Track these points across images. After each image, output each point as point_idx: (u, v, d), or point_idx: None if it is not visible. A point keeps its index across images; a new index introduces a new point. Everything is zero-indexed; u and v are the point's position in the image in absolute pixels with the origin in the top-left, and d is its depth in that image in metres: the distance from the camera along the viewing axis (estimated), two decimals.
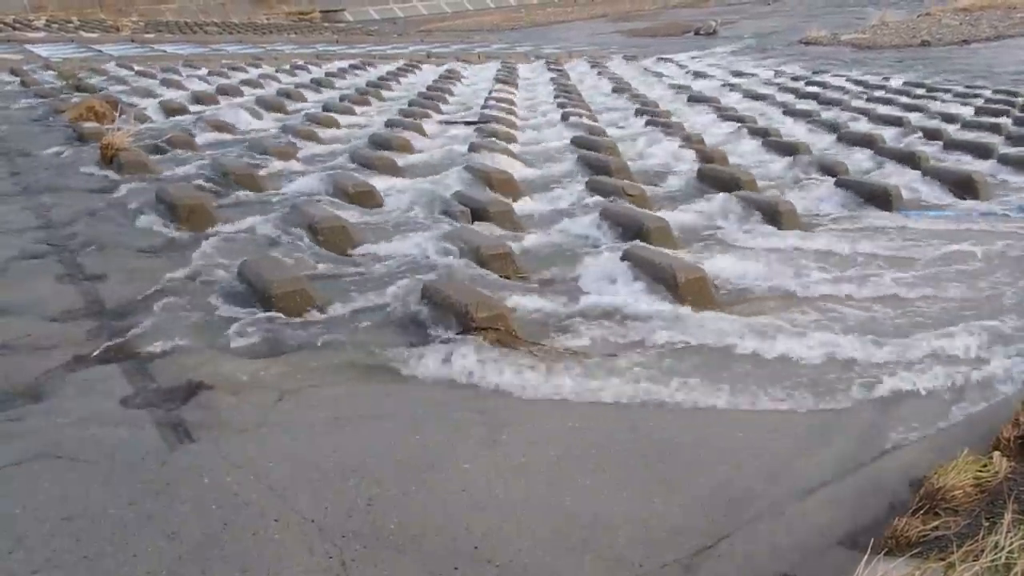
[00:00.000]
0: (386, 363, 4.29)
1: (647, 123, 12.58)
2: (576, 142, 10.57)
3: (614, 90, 16.87)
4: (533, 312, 4.96)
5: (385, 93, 16.39)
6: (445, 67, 21.52)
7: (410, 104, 14.02)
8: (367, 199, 7.61)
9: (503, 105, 13.97)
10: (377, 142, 10.34)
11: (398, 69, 20.37)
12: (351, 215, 7.00)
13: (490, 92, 15.85)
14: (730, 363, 4.37)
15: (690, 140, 10.70)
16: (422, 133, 11.54)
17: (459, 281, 5.11)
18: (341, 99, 14.63)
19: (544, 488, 3.22)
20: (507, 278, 5.53)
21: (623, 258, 5.56)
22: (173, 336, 4.49)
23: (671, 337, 4.62)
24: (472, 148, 9.99)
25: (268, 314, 4.82)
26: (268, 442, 3.55)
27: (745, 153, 10.46)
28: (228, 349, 4.42)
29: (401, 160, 9.50)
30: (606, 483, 3.25)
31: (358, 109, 13.92)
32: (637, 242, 6.05)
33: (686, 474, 3.32)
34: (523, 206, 7.67)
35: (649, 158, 10.11)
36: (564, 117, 12.99)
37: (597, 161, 9.25)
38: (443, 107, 14.37)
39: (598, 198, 7.71)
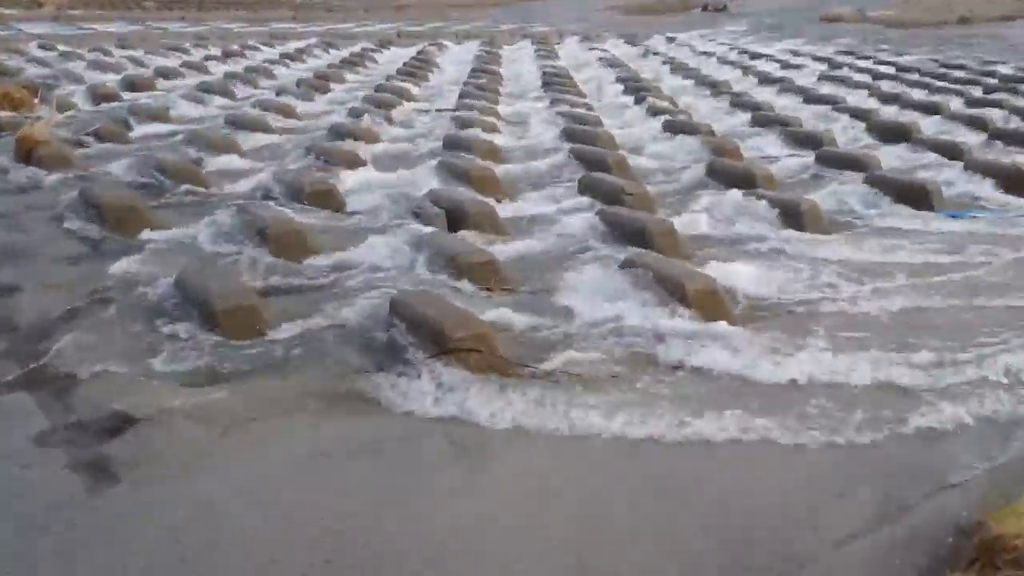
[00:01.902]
0: (349, 391, 4.28)
1: (648, 111, 12.63)
2: (568, 134, 10.59)
3: (612, 75, 16.96)
4: (520, 330, 4.97)
5: (349, 77, 16.45)
6: (418, 48, 21.56)
7: (377, 90, 14.04)
8: (327, 199, 7.59)
9: (484, 92, 14.00)
10: (339, 133, 10.37)
11: (364, 50, 20.45)
12: (308, 218, 6.96)
13: (469, 77, 15.91)
14: (746, 389, 4.36)
15: (699, 131, 10.77)
16: (391, 123, 11.54)
17: (434, 295, 5.11)
18: (298, 84, 14.66)
19: (532, 537, 3.18)
20: (490, 291, 5.54)
21: (623, 267, 5.58)
22: (98, 360, 4.46)
23: (678, 359, 4.64)
24: (449, 141, 9.98)
25: (211, 335, 4.81)
26: (210, 485, 3.51)
27: (761, 145, 10.53)
28: (163, 376, 4.40)
29: (366, 154, 9.50)
30: (602, 533, 3.21)
31: (317, 96, 13.92)
32: (639, 249, 6.08)
33: (697, 522, 3.27)
34: (507, 207, 7.66)
35: (652, 151, 10.14)
36: (554, 104, 13.00)
37: (592, 155, 9.26)
38: (415, 93, 14.38)
39: (593, 199, 7.75)
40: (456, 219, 6.88)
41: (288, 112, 12.17)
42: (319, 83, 15.02)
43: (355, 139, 10.08)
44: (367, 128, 10.68)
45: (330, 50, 21.09)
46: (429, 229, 6.48)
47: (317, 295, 5.50)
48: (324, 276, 5.90)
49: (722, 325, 4.95)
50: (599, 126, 11.21)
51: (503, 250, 6.36)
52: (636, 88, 14.70)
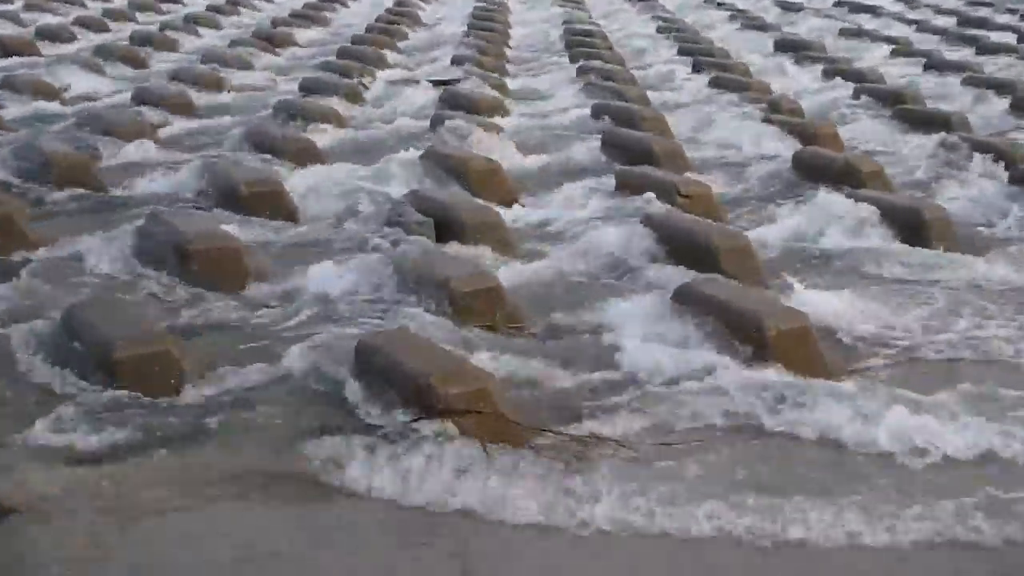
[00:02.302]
0: (296, 471, 4.26)
1: (711, 82, 12.59)
2: (600, 112, 10.55)
3: (658, 30, 17.09)
4: (536, 383, 4.97)
5: (301, 37, 16.48)
6: None
7: (339, 54, 14.05)
8: (271, 204, 7.60)
9: (486, 56, 14.00)
10: (289, 113, 10.31)
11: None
12: (245, 231, 6.99)
13: (466, 35, 15.93)
14: (849, 466, 4.38)
15: (779, 109, 10.73)
16: (358, 99, 11.50)
17: (416, 336, 5.05)
18: (231, 45, 14.68)
19: None
20: (493, 329, 5.53)
21: (678, 297, 5.55)
22: None
23: (753, 423, 4.67)
24: (438, 122, 9.95)
25: (110, 391, 4.78)
26: None
27: (865, 129, 10.51)
28: (43, 451, 4.36)
29: (325, 141, 9.44)
30: None
31: (257, 61, 13.91)
32: (700, 272, 6.09)
33: None
34: (518, 214, 7.70)
35: (716, 137, 10.10)
36: (581, 73, 12.99)
37: (634, 142, 9.23)
38: (392, 58, 14.39)
39: (636, 201, 7.71)
40: (448, 230, 6.87)
41: (218, 85, 12.15)
42: (261, 45, 15.09)
43: (311, 121, 10.05)
44: (327, 107, 10.63)
45: None
46: (410, 244, 6.46)
47: (255, 336, 5.49)
48: (266, 310, 5.88)
49: (814, 377, 5.02)
50: (643, 103, 11.13)
51: (512, 273, 6.37)
52: (693, 50, 14.71)
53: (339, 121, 10.38)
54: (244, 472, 4.29)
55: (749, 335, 5.18)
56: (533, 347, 5.41)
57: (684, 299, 5.57)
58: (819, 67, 13.73)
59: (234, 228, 6.91)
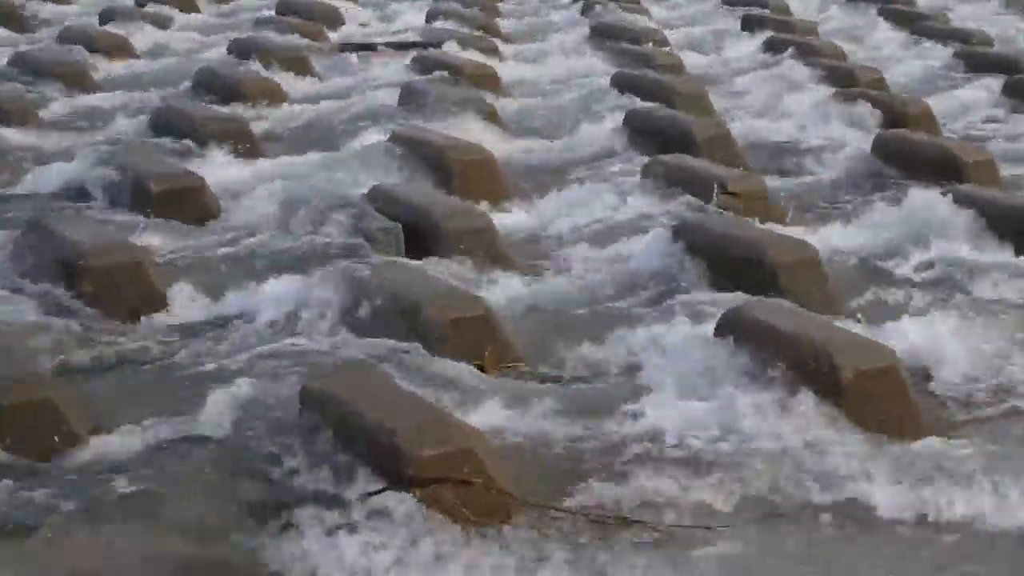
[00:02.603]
0: (224, 558, 4.22)
1: (767, 44, 12.65)
2: (622, 83, 10.60)
3: None
4: (537, 441, 4.97)
5: None
6: None
7: (280, 8, 14.17)
8: (189, 205, 7.62)
9: (472, 8, 14.12)
10: (210, 86, 10.38)
11: None
12: (156, 240, 7.02)
13: None
14: (975, 557, 4.33)
15: (855, 79, 10.72)
16: (303, 69, 11.57)
17: (380, 378, 5.07)
18: (139, 2, 14.76)
19: None
20: (481, 369, 5.56)
21: (723, 330, 5.55)
22: None
23: (826, 498, 4.64)
24: (407, 97, 10.00)
25: None
26: None
27: (968, 105, 10.58)
28: None
29: (262, 124, 9.52)
30: None
31: (171, 21, 14.01)
32: (752, 295, 6.12)
33: None
34: (514, 219, 7.78)
35: (775, 118, 10.15)
36: (596, 33, 13.03)
37: (666, 123, 9.28)
38: (348, 11, 14.51)
39: (669, 200, 7.73)
40: (422, 239, 6.93)
41: (119, 48, 12.19)
42: None
43: (238, 97, 10.11)
44: (265, 78, 10.69)
45: None
46: (373, 258, 6.50)
47: (167, 379, 5.50)
48: (181, 343, 5.88)
49: (908, 436, 5.00)
50: (678, 70, 11.16)
51: (506, 296, 6.39)
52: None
53: (279, 96, 10.41)
54: (151, 562, 4.21)
55: (818, 378, 5.16)
56: (533, 393, 5.39)
57: (731, 330, 5.57)
58: (906, 24, 13.86)
59: (141, 237, 6.91)
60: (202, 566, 4.23)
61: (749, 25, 13.75)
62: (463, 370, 5.55)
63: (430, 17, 13.65)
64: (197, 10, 14.92)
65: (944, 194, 7.53)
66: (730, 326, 5.58)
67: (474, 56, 11.65)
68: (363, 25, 14.10)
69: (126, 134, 9.35)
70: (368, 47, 12.54)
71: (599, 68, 11.62)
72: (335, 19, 13.97)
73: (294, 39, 12.60)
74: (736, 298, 6.04)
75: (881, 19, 14.42)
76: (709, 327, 5.69)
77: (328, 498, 4.47)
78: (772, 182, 8.22)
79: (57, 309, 6.12)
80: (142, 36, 12.84)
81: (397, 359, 5.57)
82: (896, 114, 9.69)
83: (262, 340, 5.88)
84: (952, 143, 8.79)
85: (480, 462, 4.48)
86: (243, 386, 5.31)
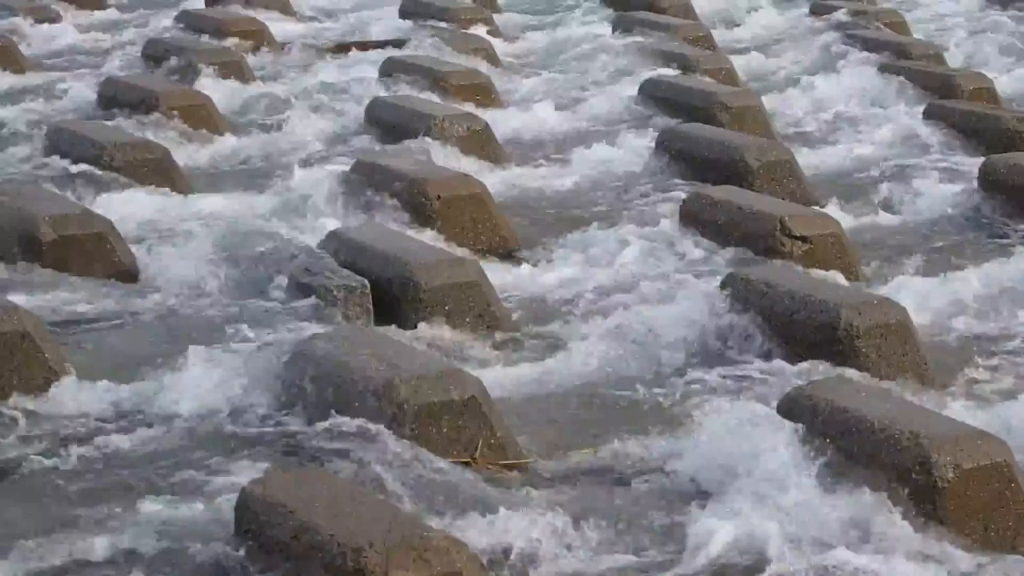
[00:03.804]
0: None
1: (838, 28, 12.58)
2: (652, 92, 10.15)
3: None
4: (543, 564, 4.57)
5: None
6: None
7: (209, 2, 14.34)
8: (92, 256, 7.26)
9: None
10: (115, 100, 9.86)
11: None
12: (47, 300, 6.69)
13: None
14: None
15: (952, 89, 10.44)
16: (243, 74, 11.27)
17: (340, 481, 4.81)
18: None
19: None
20: (471, 466, 5.26)
21: (787, 408, 5.25)
22: None
23: None
24: (375, 115, 9.75)
25: None
26: None
27: None
28: None
29: (188, 151, 8.90)
30: None
31: (69, 15, 13.85)
32: (818, 360, 5.99)
33: None
34: (516, 274, 7.46)
35: (852, 132, 9.74)
36: (620, 27, 12.89)
37: (713, 147, 8.98)
38: (299, 4, 14.55)
39: (716, 249, 7.48)
40: (395, 299, 6.69)
41: (6, 56, 11.76)
42: None
43: (161, 115, 9.47)
44: (190, 91, 10.16)
45: None
46: (332, 323, 6.31)
47: (65, 488, 5.01)
48: (83, 438, 5.39)
49: None
50: (722, 69, 10.89)
51: (504, 372, 6.17)
52: None
53: (211, 117, 9.82)
54: None
55: (910, 477, 4.80)
56: (538, 499, 4.97)
57: (797, 414, 5.18)
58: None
59: (26, 298, 6.55)
60: None
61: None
62: (450, 470, 5.12)
63: (405, 12, 13.54)
64: (97, 6, 14.55)
65: None
66: (796, 408, 5.24)
67: (460, 59, 11.51)
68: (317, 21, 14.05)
69: (11, 167, 8.92)
70: (335, 49, 12.36)
71: (620, 66, 11.43)
72: (286, 5, 13.95)
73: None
74: (803, 372, 5.84)
75: None
76: (770, 407, 5.29)
77: None
78: (844, 217, 7.96)
79: None
80: (30, 32, 12.77)
81: (363, 454, 5.07)
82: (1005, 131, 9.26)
83: (186, 435, 5.49)
84: None
85: None
86: (161, 493, 4.89)
